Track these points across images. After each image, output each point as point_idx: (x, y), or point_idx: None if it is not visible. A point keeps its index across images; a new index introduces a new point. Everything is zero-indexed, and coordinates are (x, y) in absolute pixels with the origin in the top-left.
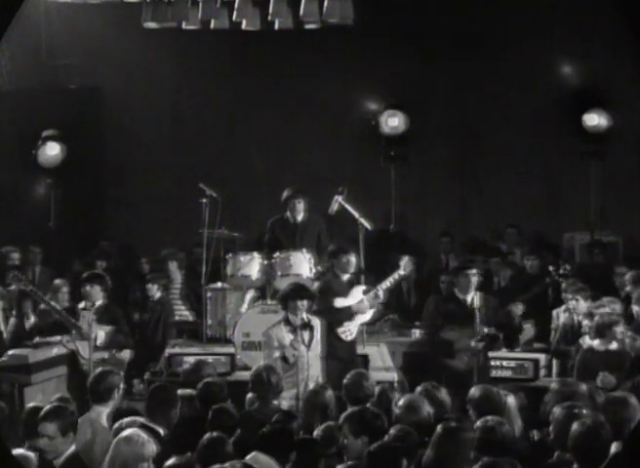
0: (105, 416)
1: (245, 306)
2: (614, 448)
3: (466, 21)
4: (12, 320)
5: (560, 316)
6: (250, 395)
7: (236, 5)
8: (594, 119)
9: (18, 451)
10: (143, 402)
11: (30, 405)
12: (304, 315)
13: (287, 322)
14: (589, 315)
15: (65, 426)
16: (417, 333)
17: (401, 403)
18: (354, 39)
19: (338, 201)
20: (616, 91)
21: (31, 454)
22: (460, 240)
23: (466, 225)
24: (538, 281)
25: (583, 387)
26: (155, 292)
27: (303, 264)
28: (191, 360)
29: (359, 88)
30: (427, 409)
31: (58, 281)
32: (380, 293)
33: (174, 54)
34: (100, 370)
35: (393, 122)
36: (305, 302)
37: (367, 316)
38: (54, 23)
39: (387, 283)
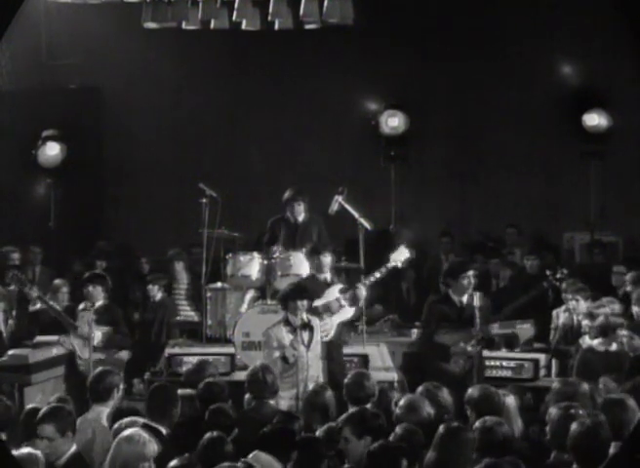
0: (105, 416)
1: (245, 306)
2: (612, 448)
3: (466, 21)
4: (10, 321)
5: (560, 316)
6: (248, 395)
7: (236, 5)
8: (594, 119)
9: (24, 450)
10: (143, 402)
11: (29, 406)
12: (304, 315)
13: (287, 322)
14: (589, 315)
15: (64, 426)
16: (416, 334)
17: (401, 403)
18: (354, 39)
19: (338, 201)
20: (616, 91)
21: (38, 453)
22: (460, 240)
23: (466, 225)
24: (536, 282)
25: (584, 387)
26: (156, 292)
27: (303, 264)
28: (192, 360)
29: (359, 88)
30: (428, 409)
31: (58, 281)
32: (361, 291)
33: (174, 54)
34: (99, 369)
35: (393, 122)
36: (305, 302)
37: (346, 314)
38: (54, 23)
39: (371, 278)
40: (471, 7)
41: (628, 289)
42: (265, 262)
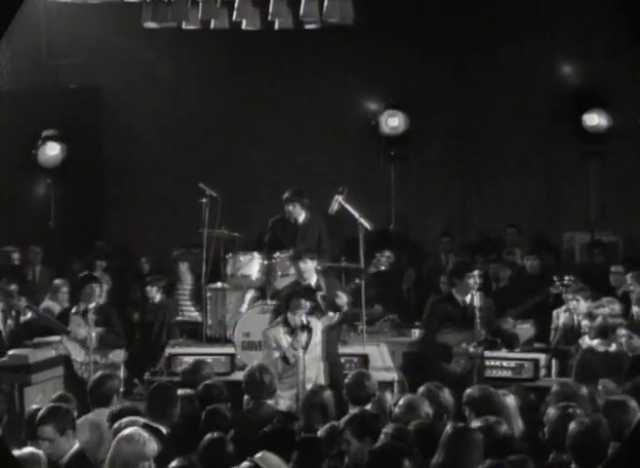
0: (106, 417)
1: (245, 306)
2: (612, 449)
3: (466, 21)
4: (10, 321)
5: (560, 316)
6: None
7: (236, 5)
8: (594, 119)
9: (26, 450)
10: (143, 402)
11: (32, 407)
12: (304, 317)
13: (285, 323)
14: (589, 315)
15: (63, 426)
16: (417, 333)
17: (400, 402)
18: (354, 39)
19: (338, 201)
20: (616, 91)
21: (40, 452)
22: (460, 240)
23: (466, 225)
24: (538, 284)
25: (584, 389)
26: (155, 294)
27: None
28: (190, 360)
29: (359, 88)
30: (426, 409)
31: (57, 281)
32: (341, 299)
33: (174, 54)
34: (99, 373)
35: (393, 122)
36: (308, 303)
37: (330, 320)
38: (54, 23)
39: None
40: (471, 7)
41: (630, 288)
42: (265, 262)
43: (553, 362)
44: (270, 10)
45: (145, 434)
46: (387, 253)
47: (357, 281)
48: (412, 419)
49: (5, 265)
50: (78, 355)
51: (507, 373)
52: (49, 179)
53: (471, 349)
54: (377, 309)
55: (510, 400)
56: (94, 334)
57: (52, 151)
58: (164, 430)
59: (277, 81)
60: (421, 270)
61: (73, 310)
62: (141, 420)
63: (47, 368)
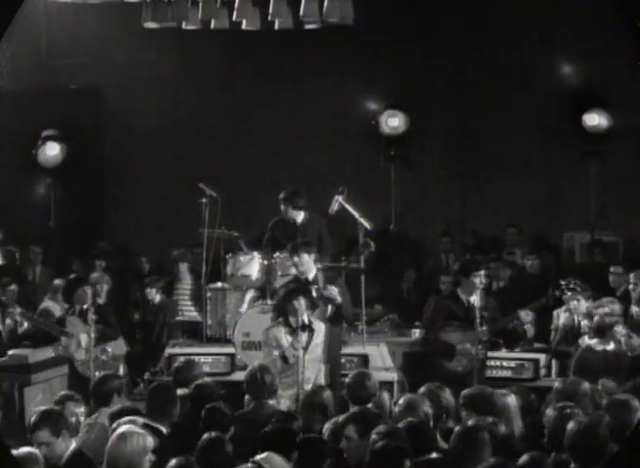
0: (106, 417)
1: (245, 306)
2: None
3: (466, 22)
4: (8, 320)
5: (560, 316)
6: (248, 396)
7: (236, 5)
8: (594, 119)
9: (24, 450)
10: (143, 402)
11: (41, 408)
12: (305, 317)
13: (286, 322)
14: (589, 315)
15: (57, 428)
16: (417, 333)
17: (400, 402)
18: (354, 39)
19: (338, 201)
20: (616, 91)
21: (37, 451)
22: (460, 240)
23: (466, 225)
24: (538, 284)
25: (585, 386)
26: (155, 295)
27: None
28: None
29: (359, 88)
30: (426, 408)
31: (57, 281)
32: (332, 292)
33: (174, 54)
34: (101, 374)
35: (393, 122)
36: (302, 301)
37: (324, 314)
38: (54, 23)
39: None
40: (471, 7)
41: (631, 287)
42: (265, 262)
43: (553, 362)
44: (270, 10)
45: (139, 429)
46: (368, 242)
47: (345, 265)
48: (410, 418)
49: (5, 265)
50: (78, 354)
51: (507, 373)
52: (49, 179)
53: (474, 351)
54: (377, 309)
55: (511, 400)
56: (86, 335)
57: (52, 151)
58: (164, 430)
59: (277, 81)
60: (421, 270)
61: (69, 312)
62: (141, 420)
63: (47, 368)
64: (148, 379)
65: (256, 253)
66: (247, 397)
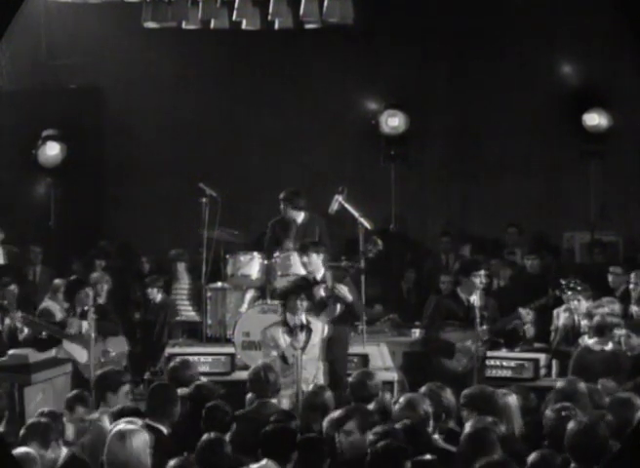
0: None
1: (245, 306)
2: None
3: (466, 21)
4: (8, 320)
5: (560, 316)
6: (250, 395)
7: (236, 5)
8: (594, 119)
9: (21, 450)
10: (144, 401)
11: (43, 410)
12: (303, 316)
13: (284, 322)
14: (588, 315)
15: (45, 440)
16: (417, 333)
17: (401, 400)
18: (354, 39)
19: (338, 201)
20: (616, 91)
21: (33, 452)
22: (460, 240)
23: (466, 225)
24: (538, 284)
25: (582, 386)
26: (156, 294)
27: None
28: (190, 360)
29: (359, 88)
30: (426, 407)
31: (57, 281)
32: (342, 291)
33: (174, 54)
34: (101, 371)
35: (393, 122)
36: (305, 302)
37: (332, 313)
38: (54, 23)
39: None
40: (471, 7)
41: (631, 287)
42: (265, 262)
43: (553, 362)
44: (270, 10)
45: (132, 426)
46: (376, 241)
47: (347, 271)
48: (410, 417)
49: (6, 265)
50: (80, 357)
51: (507, 373)
52: (49, 179)
53: (474, 349)
54: (377, 309)
55: (512, 399)
56: (85, 323)
57: (52, 151)
58: (164, 430)
59: (277, 81)
60: (421, 270)
61: (70, 314)
62: (140, 422)
63: (47, 368)
64: (148, 379)
65: (256, 253)
66: (248, 396)
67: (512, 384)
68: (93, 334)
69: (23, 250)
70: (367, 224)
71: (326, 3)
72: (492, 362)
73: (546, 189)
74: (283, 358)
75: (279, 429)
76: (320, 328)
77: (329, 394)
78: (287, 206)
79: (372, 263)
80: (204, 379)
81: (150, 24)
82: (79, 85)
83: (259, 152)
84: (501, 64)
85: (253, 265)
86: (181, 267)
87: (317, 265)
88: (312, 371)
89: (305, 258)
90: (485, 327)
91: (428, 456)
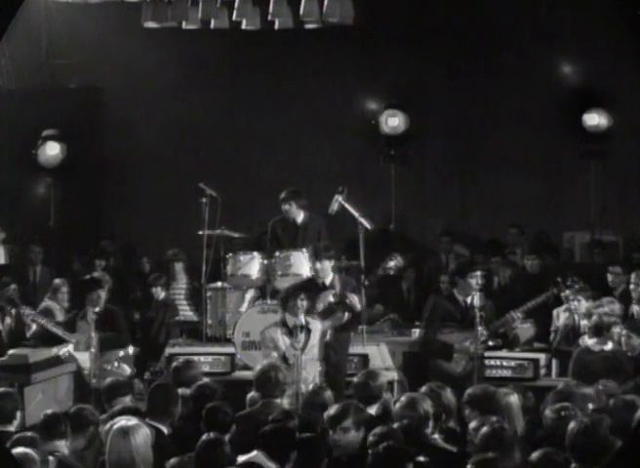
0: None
1: (245, 306)
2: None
3: (466, 21)
4: (8, 319)
5: (560, 316)
6: (251, 394)
7: (236, 5)
8: (594, 119)
9: (20, 450)
10: (144, 401)
11: (48, 412)
12: (302, 317)
13: (283, 323)
14: (588, 315)
15: None
16: (417, 333)
17: (402, 399)
18: (354, 39)
19: (338, 200)
20: (616, 91)
21: (32, 452)
22: (460, 240)
23: (466, 225)
24: (538, 284)
25: (581, 387)
26: (159, 292)
27: (303, 264)
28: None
29: (359, 88)
30: (426, 407)
31: (57, 281)
32: (353, 300)
33: (174, 54)
34: (109, 381)
35: (393, 122)
36: (305, 303)
37: (339, 320)
38: (54, 23)
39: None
40: (471, 7)
41: (632, 287)
42: (265, 262)
43: (554, 362)
44: (270, 10)
45: (135, 422)
46: (398, 257)
47: (366, 283)
48: (411, 417)
49: (7, 265)
50: (84, 363)
51: (507, 373)
52: (49, 179)
53: (472, 349)
54: (377, 309)
55: (514, 399)
56: (93, 334)
57: (52, 151)
58: (165, 429)
59: (277, 81)
60: (421, 270)
61: (80, 316)
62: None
63: (47, 367)
64: (148, 379)
65: (256, 253)
66: (248, 396)
67: (510, 384)
68: (93, 334)
69: (24, 249)
70: (367, 224)
71: (326, 3)
72: (492, 362)
73: (546, 189)
74: (284, 358)
75: (278, 429)
76: (319, 327)
77: (329, 394)
78: (290, 205)
79: (371, 263)
80: (206, 379)
81: (150, 24)
82: (79, 85)
83: (259, 152)
84: (501, 64)
85: (253, 265)
86: (179, 267)
87: (328, 271)
88: (312, 372)
89: (318, 265)
90: (482, 328)
91: (422, 458)
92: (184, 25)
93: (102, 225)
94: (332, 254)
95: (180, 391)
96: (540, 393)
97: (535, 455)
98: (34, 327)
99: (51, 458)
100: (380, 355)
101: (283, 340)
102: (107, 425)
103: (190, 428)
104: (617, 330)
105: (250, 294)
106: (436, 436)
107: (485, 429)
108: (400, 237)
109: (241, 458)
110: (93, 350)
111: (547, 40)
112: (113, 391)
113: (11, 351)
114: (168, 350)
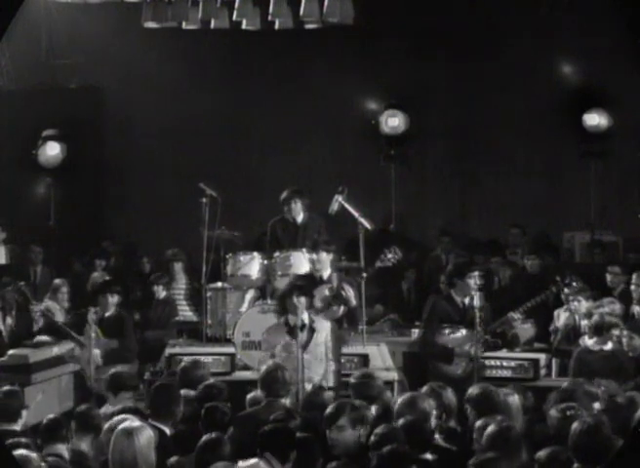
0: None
1: (245, 306)
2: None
3: (466, 21)
4: (9, 319)
5: (561, 316)
6: (251, 394)
7: (236, 5)
8: (594, 119)
9: (20, 451)
10: (143, 401)
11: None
12: (305, 316)
13: (286, 323)
14: (589, 315)
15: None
16: (417, 333)
17: (402, 398)
18: (354, 39)
19: (338, 200)
20: (616, 91)
21: (33, 455)
22: (461, 240)
23: (466, 225)
24: (538, 284)
25: (585, 387)
26: (161, 292)
27: (303, 264)
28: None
29: (359, 88)
30: (426, 406)
31: (57, 281)
32: (348, 292)
33: (174, 54)
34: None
35: (393, 122)
36: (303, 299)
37: (334, 314)
38: (54, 23)
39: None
40: (471, 7)
41: (632, 287)
42: (265, 262)
43: (554, 362)
44: (270, 10)
45: (138, 423)
46: (396, 249)
47: (363, 274)
48: (412, 416)
49: (8, 265)
50: (88, 369)
51: (507, 373)
52: (49, 179)
53: (472, 351)
54: (377, 309)
55: (514, 399)
56: (99, 351)
57: (52, 151)
58: (167, 430)
59: (277, 81)
60: (422, 270)
61: (91, 316)
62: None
63: (47, 367)
64: (148, 380)
65: (256, 253)
66: (249, 396)
67: (510, 384)
68: (93, 334)
69: (24, 249)
70: (367, 224)
71: (326, 3)
72: (492, 362)
73: (546, 189)
74: (289, 327)
75: (278, 428)
76: (325, 327)
77: (328, 394)
78: (292, 204)
79: (371, 263)
80: (212, 379)
81: (150, 24)
82: (79, 85)
83: (259, 152)
84: (501, 64)
85: (253, 265)
86: (178, 267)
87: (325, 264)
88: (319, 371)
89: (315, 256)
90: (480, 328)
91: (429, 456)
92: (184, 25)
93: (103, 225)
94: (330, 248)
95: (184, 392)
96: (540, 393)
97: (541, 453)
98: (41, 322)
99: (42, 464)
100: (380, 355)
101: (282, 340)
102: (107, 424)
103: (196, 429)
104: (617, 330)
105: (250, 295)
106: (436, 436)
107: (491, 428)
108: (400, 237)
109: (241, 465)
110: (96, 360)
111: (547, 40)
112: (119, 382)
113: (11, 351)
114: (168, 350)
